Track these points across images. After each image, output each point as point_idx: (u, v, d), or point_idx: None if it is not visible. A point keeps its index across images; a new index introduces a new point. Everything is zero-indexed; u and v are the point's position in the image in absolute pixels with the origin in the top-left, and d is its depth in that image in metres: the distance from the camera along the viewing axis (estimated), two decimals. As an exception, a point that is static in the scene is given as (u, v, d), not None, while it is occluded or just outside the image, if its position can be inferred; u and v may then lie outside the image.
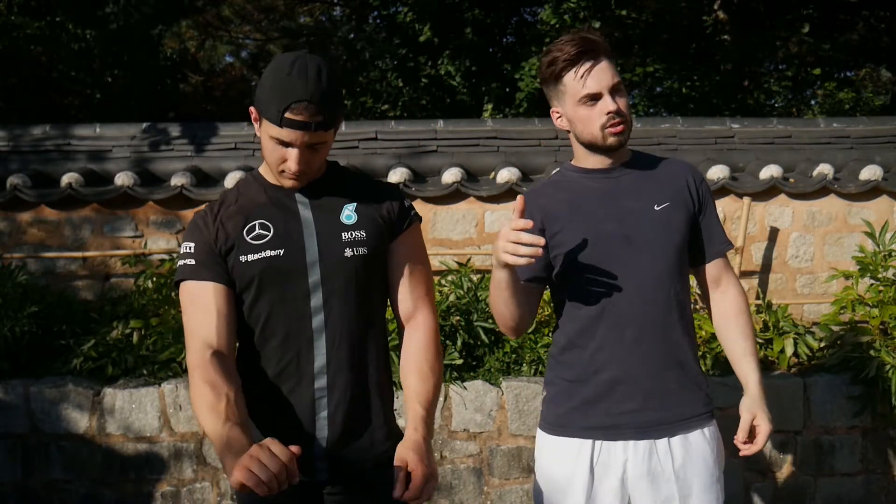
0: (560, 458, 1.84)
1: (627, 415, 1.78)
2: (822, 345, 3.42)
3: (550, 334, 2.82)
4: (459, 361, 3.21)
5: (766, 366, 3.44)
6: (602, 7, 7.40)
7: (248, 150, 4.23)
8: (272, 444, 1.33)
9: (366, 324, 1.66)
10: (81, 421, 3.19)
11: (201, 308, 1.57)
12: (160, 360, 3.30)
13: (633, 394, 1.78)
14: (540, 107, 7.42)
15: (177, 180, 3.93)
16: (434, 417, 1.66)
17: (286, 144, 1.52)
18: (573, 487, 1.81)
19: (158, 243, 4.01)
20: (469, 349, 3.33)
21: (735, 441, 1.79)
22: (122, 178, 3.92)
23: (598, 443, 1.80)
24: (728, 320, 1.89)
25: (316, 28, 14.09)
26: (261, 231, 1.61)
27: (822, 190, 4.03)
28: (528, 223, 1.56)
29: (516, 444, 3.22)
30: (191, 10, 10.74)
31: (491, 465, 3.23)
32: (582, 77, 1.73)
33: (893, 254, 3.46)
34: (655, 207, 1.79)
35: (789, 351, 3.37)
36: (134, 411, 3.18)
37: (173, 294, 3.60)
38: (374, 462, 1.67)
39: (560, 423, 1.85)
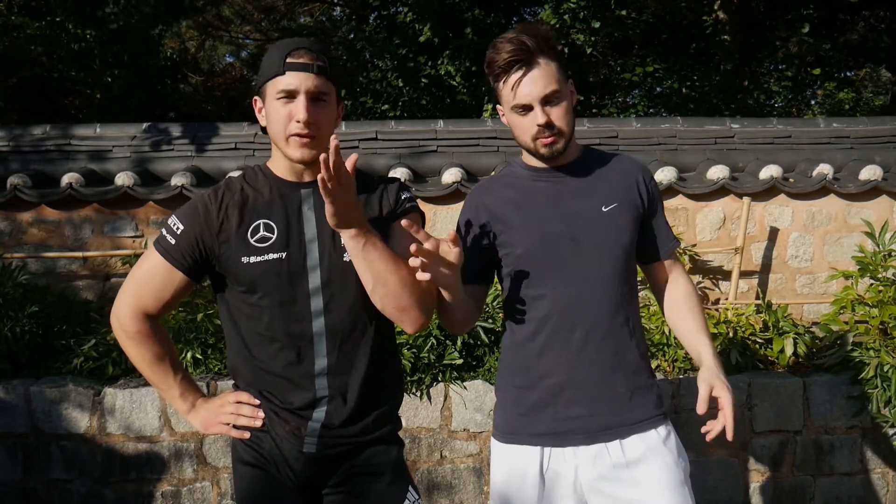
0: (511, 466, 1.80)
1: (575, 420, 1.74)
2: (822, 345, 3.43)
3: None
4: (459, 361, 3.21)
5: (766, 366, 3.45)
6: (602, 7, 7.40)
7: (248, 150, 4.23)
8: (235, 396, 1.69)
9: (367, 324, 1.66)
10: (82, 421, 3.19)
11: (156, 283, 1.65)
12: (160, 359, 3.30)
13: (579, 399, 1.74)
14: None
15: (177, 180, 3.93)
16: None
17: (291, 96, 1.55)
18: (524, 496, 1.77)
19: (159, 243, 4.01)
20: (469, 349, 3.33)
21: (699, 413, 1.64)
22: (123, 178, 3.92)
23: (546, 449, 1.76)
24: (677, 301, 1.85)
25: (316, 28, 14.09)
26: (265, 233, 1.61)
27: (821, 190, 4.03)
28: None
29: (516, 443, 3.22)
30: (191, 10, 10.74)
31: (491, 465, 3.23)
32: (513, 88, 1.68)
33: (893, 254, 3.46)
34: (603, 209, 1.75)
35: (789, 351, 3.37)
36: (134, 411, 3.18)
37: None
38: (362, 445, 1.69)
39: (509, 430, 1.81)
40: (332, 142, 1.40)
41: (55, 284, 3.90)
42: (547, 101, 1.68)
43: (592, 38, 7.52)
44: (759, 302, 3.68)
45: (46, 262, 3.97)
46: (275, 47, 1.60)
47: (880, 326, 3.32)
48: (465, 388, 3.21)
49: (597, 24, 7.31)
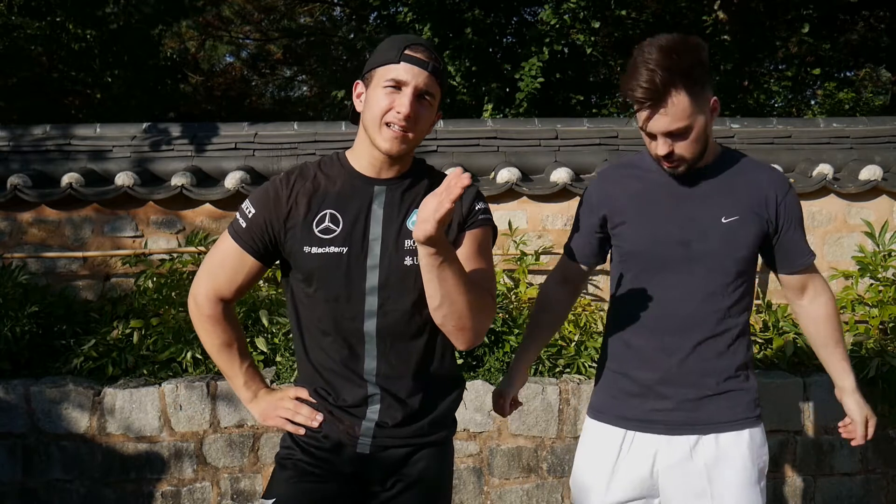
0: (596, 441, 1.90)
1: (661, 412, 1.81)
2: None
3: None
4: (459, 361, 3.21)
5: (766, 366, 3.44)
6: (602, 7, 7.40)
7: (248, 150, 4.23)
8: (295, 391, 1.69)
9: (421, 329, 1.63)
10: (82, 421, 3.19)
11: (229, 266, 1.66)
12: (160, 359, 3.30)
13: (669, 395, 1.80)
14: (540, 107, 7.41)
15: (177, 180, 3.93)
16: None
17: (399, 87, 1.54)
18: (599, 467, 1.86)
19: (159, 243, 4.01)
20: (469, 349, 3.32)
21: (843, 430, 2.05)
22: (123, 178, 3.92)
23: (630, 432, 1.84)
24: (818, 326, 1.93)
25: (316, 28, 14.09)
26: (329, 224, 1.60)
27: (821, 190, 4.03)
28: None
29: (516, 443, 3.22)
30: (191, 10, 10.71)
31: (491, 465, 3.23)
32: (641, 115, 1.68)
33: (893, 254, 3.46)
34: (723, 220, 1.74)
35: (789, 351, 3.37)
36: (134, 411, 3.18)
37: (174, 294, 3.60)
38: (416, 447, 1.68)
39: (600, 409, 1.91)
40: (467, 175, 1.36)
41: (55, 284, 3.90)
42: (671, 135, 1.67)
43: (592, 38, 7.51)
44: (759, 302, 3.68)
45: (46, 262, 3.97)
46: (393, 38, 1.61)
47: (880, 326, 3.33)
48: (465, 388, 3.21)
49: (597, 24, 7.30)
